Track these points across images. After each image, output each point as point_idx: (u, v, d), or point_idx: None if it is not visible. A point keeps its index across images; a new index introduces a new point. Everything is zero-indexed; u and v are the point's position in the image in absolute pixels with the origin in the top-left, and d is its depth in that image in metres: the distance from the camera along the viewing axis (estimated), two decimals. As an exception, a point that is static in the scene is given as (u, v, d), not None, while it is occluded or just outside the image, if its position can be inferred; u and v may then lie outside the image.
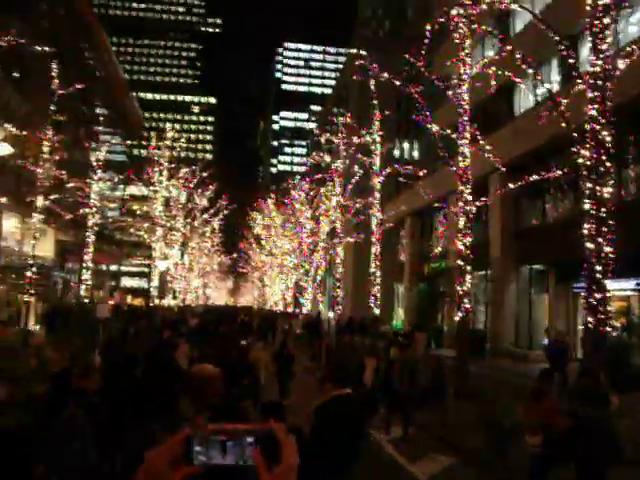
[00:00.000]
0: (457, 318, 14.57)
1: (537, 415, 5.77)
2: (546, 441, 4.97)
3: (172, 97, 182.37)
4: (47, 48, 20.20)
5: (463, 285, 14.38)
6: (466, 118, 14.72)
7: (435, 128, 15.37)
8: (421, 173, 22.73)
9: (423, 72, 16.36)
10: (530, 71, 12.29)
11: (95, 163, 30.36)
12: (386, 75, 18.33)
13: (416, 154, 50.40)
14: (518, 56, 11.74)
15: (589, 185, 9.98)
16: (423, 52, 15.20)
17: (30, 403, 6.99)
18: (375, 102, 23.53)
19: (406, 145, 54.27)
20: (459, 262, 14.48)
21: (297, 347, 28.88)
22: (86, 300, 29.65)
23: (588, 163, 9.99)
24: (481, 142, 15.41)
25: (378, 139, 23.39)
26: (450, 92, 15.22)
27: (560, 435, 4.96)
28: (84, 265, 30.34)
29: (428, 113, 15.70)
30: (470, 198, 14.59)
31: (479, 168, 17.81)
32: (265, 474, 1.24)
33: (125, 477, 3.85)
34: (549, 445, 4.96)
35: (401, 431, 10.60)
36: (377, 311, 23.92)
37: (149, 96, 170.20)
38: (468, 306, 14.49)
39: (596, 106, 9.72)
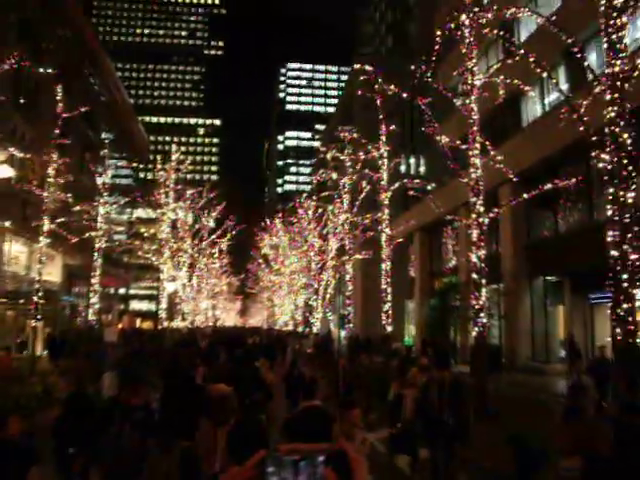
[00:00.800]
0: (473, 333, 14.15)
1: (574, 436, 5.36)
2: (587, 466, 4.57)
3: (177, 120, 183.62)
4: (50, 70, 20.09)
5: (478, 299, 13.99)
6: (476, 128, 14.42)
7: (445, 140, 15.07)
8: (429, 187, 22.30)
9: (429, 83, 16.11)
10: (544, 75, 11.99)
11: (101, 186, 30.23)
12: (393, 88, 18.11)
13: (423, 169, 50.24)
14: (531, 60, 11.44)
15: (611, 190, 9.64)
16: (432, 59, 14.92)
17: (34, 431, 6.95)
18: (381, 117, 23.29)
19: (412, 160, 54.18)
20: (473, 275, 14.09)
21: (308, 367, 28.41)
22: (94, 324, 29.35)
23: (609, 167, 9.67)
24: (492, 152, 15.10)
25: (385, 154, 23.11)
26: (458, 102, 14.94)
27: (603, 459, 4.56)
28: (91, 289, 30.08)
29: (436, 125, 15.44)
30: (482, 210, 14.24)
31: (489, 180, 17.48)
32: None
33: None
34: (591, 470, 4.56)
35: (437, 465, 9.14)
36: (389, 328, 23.48)
37: (154, 120, 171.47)
38: (484, 321, 14.08)
39: (615, 108, 9.42)
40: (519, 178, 19.47)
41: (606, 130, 9.77)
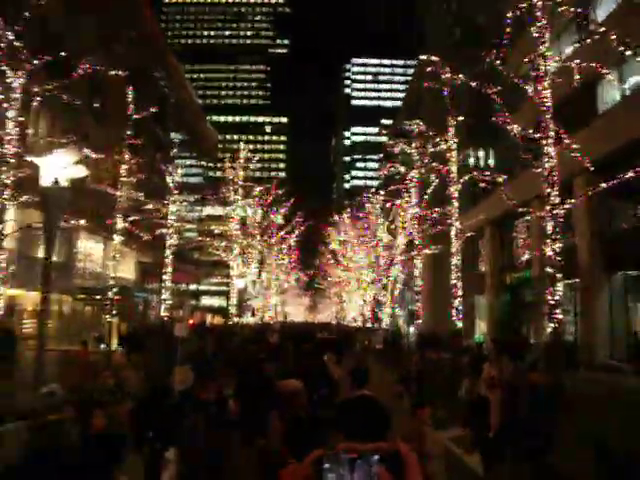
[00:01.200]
0: (548, 330, 13.57)
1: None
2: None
3: (245, 119, 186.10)
4: (121, 72, 20.61)
5: (554, 294, 13.40)
6: (549, 116, 13.80)
7: (517, 128, 14.50)
8: (500, 179, 21.51)
9: (499, 70, 15.56)
10: (627, 53, 11.32)
11: (171, 185, 30.84)
12: (462, 77, 17.62)
13: (492, 162, 49.00)
14: (613, 37, 10.84)
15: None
16: (503, 42, 14.38)
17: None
18: (448, 108, 22.74)
19: (481, 153, 52.90)
20: (548, 270, 13.52)
21: (378, 363, 28.15)
22: (166, 319, 29.98)
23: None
24: (566, 141, 14.42)
25: (454, 145, 22.55)
26: (530, 89, 14.34)
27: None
28: (163, 285, 30.76)
29: (507, 114, 14.87)
30: (557, 201, 13.63)
31: (562, 170, 16.74)
32: None
33: None
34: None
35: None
36: (459, 324, 22.95)
37: (222, 119, 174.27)
38: (560, 317, 13.47)
39: None
40: (595, 167, 18.73)
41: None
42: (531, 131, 14.40)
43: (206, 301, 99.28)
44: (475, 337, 41.26)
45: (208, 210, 64.47)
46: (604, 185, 14.12)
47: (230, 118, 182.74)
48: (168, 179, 31.13)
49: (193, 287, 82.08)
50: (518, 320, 33.39)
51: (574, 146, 14.51)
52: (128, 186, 24.47)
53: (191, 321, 64.42)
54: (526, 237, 34.96)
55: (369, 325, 48.59)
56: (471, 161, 45.49)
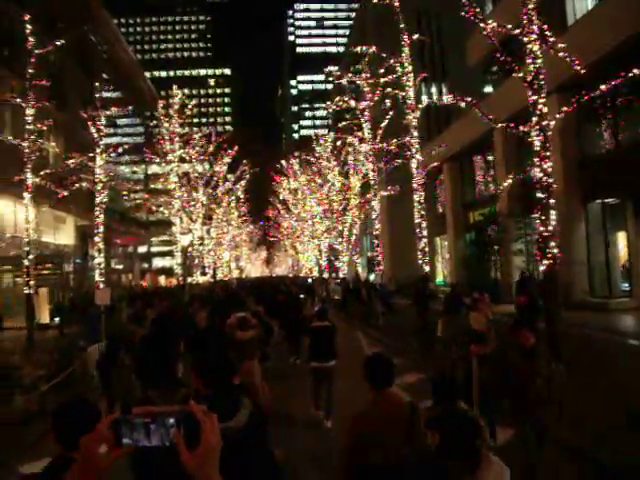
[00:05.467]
0: (542, 268, 11.25)
1: None
2: None
3: (187, 73, 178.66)
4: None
5: (547, 224, 11.02)
6: (532, 6, 11.13)
7: (492, 25, 11.78)
8: (462, 104, 18.62)
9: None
10: None
11: (96, 135, 27.36)
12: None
13: (445, 99, 46.38)
14: None
15: None
16: None
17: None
18: (402, 26, 19.81)
19: (434, 89, 50.33)
20: (539, 195, 11.10)
21: (339, 319, 25.85)
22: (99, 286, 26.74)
23: None
24: (552, 39, 11.78)
25: (409, 67, 19.68)
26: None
27: None
28: (96, 248, 27.52)
29: (478, 9, 12.15)
30: (546, 110, 11.09)
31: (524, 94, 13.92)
32: (185, 454, 1.25)
33: None
34: None
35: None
36: (427, 268, 20.60)
37: (164, 74, 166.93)
38: (555, 251, 11.12)
39: None
40: (564, 89, 16.37)
41: None
42: (510, 26, 11.71)
43: (158, 262, 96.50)
44: (437, 281, 39.49)
45: (154, 169, 60.83)
46: (603, 87, 11.57)
47: (172, 73, 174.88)
48: (92, 129, 27.58)
49: (144, 249, 79.07)
50: (485, 259, 31.28)
51: (561, 45, 11.90)
52: (37, 135, 20.89)
53: (144, 284, 61.76)
54: (483, 174, 32.95)
55: (326, 275, 46.28)
56: (424, 99, 42.91)
